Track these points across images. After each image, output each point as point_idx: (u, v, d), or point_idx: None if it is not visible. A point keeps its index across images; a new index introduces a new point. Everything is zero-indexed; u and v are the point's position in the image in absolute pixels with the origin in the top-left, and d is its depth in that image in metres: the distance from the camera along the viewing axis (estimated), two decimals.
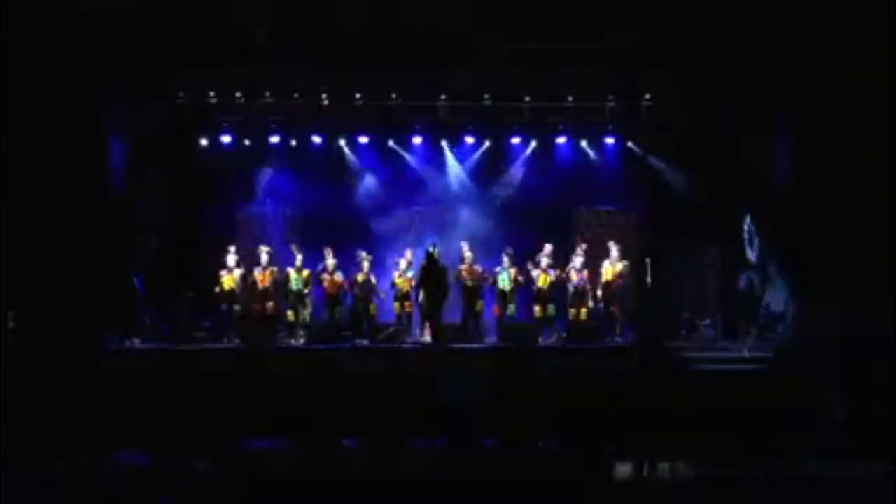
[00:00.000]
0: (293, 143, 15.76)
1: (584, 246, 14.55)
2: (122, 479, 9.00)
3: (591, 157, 15.86)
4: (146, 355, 13.01)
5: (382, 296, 14.56)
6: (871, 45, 12.50)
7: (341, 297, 14.59)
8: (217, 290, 14.36)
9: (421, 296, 13.81)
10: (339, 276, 14.53)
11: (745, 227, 14.45)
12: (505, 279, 14.33)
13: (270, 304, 14.45)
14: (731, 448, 11.30)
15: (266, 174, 15.92)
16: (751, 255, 14.44)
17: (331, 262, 14.55)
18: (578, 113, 15.22)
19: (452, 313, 14.41)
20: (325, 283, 14.50)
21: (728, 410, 11.98)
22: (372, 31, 13.73)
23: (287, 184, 15.93)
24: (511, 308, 14.38)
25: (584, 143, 15.80)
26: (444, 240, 15.02)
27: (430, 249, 13.87)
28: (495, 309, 14.48)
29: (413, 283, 14.17)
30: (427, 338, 13.77)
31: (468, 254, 14.51)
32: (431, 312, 13.67)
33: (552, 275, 14.30)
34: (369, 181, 16.01)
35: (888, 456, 10.21)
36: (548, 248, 14.44)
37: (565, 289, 14.40)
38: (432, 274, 13.69)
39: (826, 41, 12.82)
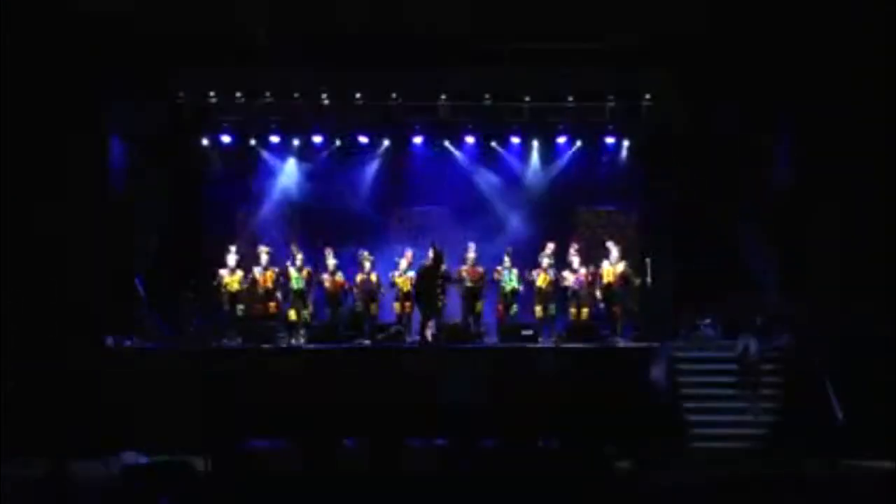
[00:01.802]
0: (295, 142, 15.78)
1: (575, 246, 14.54)
2: (122, 479, 8.98)
3: (591, 157, 15.86)
4: (146, 355, 13.00)
5: (384, 291, 14.52)
6: (871, 45, 12.51)
7: (342, 297, 14.58)
8: (220, 290, 14.34)
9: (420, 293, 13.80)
10: (340, 277, 14.53)
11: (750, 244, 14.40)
12: (511, 279, 14.31)
13: (272, 304, 14.44)
14: (731, 447, 11.33)
15: (266, 174, 15.92)
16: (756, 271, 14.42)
17: (332, 262, 14.55)
18: (578, 113, 15.21)
19: (453, 313, 14.45)
20: (327, 284, 14.50)
21: (728, 411, 12.01)
22: (372, 31, 13.73)
23: (287, 183, 15.94)
24: (514, 308, 14.36)
25: (584, 143, 15.80)
26: (444, 240, 15.03)
27: (436, 247, 13.86)
28: (499, 309, 14.47)
29: (413, 281, 14.13)
30: (427, 336, 13.72)
31: (472, 255, 14.50)
32: (430, 311, 13.68)
33: (552, 275, 14.30)
34: (370, 181, 16.00)
35: (888, 456, 10.22)
36: (549, 247, 14.44)
37: (566, 289, 14.39)
38: (434, 272, 13.69)
39: (826, 41, 12.83)
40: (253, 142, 15.76)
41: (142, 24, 13.34)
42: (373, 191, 16.00)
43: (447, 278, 13.93)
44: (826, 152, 13.08)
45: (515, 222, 15.78)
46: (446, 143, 15.88)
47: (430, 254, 13.79)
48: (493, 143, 15.91)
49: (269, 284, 14.44)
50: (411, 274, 14.26)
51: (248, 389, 12.04)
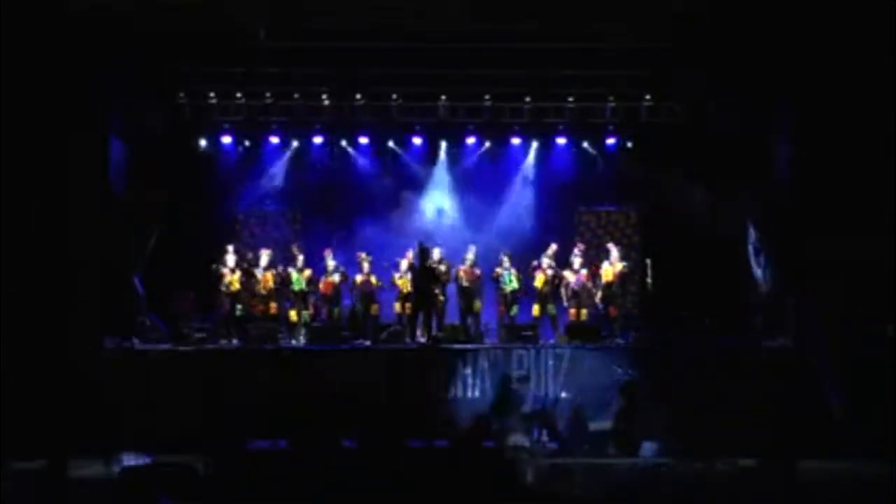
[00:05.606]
0: (294, 142, 15.79)
1: (581, 246, 14.56)
2: (122, 479, 8.99)
3: (591, 157, 15.87)
4: (146, 355, 13.00)
5: (384, 286, 14.51)
6: (872, 46, 12.50)
7: (339, 296, 14.57)
8: (221, 290, 14.34)
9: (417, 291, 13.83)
10: (332, 277, 14.50)
11: (750, 244, 14.38)
12: (510, 280, 14.31)
13: (273, 304, 14.44)
14: (731, 447, 11.32)
15: (266, 174, 15.93)
16: (756, 271, 14.42)
17: (331, 263, 14.55)
18: (578, 113, 15.22)
19: (452, 313, 14.46)
20: (321, 285, 14.48)
21: (728, 409, 12.01)
22: (371, 31, 13.73)
23: (287, 183, 15.94)
24: (514, 309, 14.35)
25: (584, 143, 15.80)
26: (444, 240, 15.05)
27: (422, 246, 13.88)
28: (500, 310, 14.46)
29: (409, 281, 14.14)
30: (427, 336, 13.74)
31: (471, 256, 14.50)
32: (433, 309, 13.71)
33: (551, 275, 14.29)
34: (369, 181, 16.01)
35: (888, 456, 10.22)
36: (552, 248, 14.44)
37: (566, 288, 14.38)
38: (424, 270, 13.72)
39: (827, 41, 12.82)
40: (253, 142, 15.77)
41: (142, 25, 13.33)
42: (373, 191, 16.00)
43: (435, 276, 13.90)
44: (826, 152, 13.08)
45: (516, 223, 15.77)
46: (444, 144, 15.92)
47: (421, 249, 13.83)
48: (493, 144, 15.92)
49: (270, 285, 14.44)
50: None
51: (248, 389, 12.05)
